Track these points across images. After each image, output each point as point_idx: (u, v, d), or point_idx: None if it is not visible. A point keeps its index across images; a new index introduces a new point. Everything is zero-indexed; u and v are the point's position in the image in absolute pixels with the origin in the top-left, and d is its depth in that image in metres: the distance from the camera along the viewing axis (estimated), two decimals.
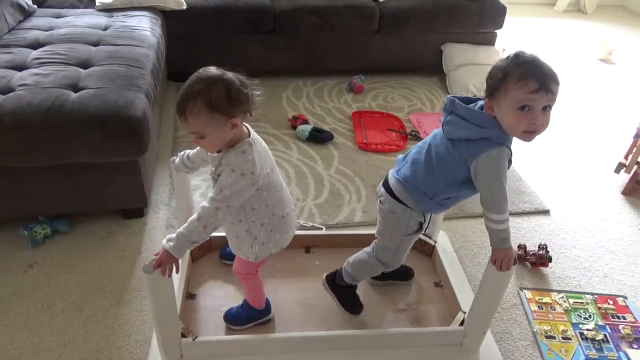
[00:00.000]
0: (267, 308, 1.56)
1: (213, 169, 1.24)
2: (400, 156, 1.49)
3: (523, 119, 1.19)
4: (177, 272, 1.21)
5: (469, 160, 1.26)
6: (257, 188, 1.22)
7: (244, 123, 1.24)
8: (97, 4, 2.64)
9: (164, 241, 1.19)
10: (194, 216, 1.17)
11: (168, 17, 2.76)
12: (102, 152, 1.76)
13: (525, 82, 1.16)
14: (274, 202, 1.31)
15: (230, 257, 1.59)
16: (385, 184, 1.46)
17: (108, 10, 2.62)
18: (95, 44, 2.22)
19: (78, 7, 2.71)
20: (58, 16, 2.52)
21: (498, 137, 1.24)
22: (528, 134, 1.22)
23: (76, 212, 1.96)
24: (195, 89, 1.12)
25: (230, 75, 1.17)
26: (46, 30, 2.29)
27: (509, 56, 1.23)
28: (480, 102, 1.31)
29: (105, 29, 2.40)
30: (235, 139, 1.20)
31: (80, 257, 1.84)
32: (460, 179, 1.31)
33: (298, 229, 1.98)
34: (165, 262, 1.18)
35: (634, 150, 2.42)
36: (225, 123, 1.15)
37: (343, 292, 1.61)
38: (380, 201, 1.48)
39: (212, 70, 1.17)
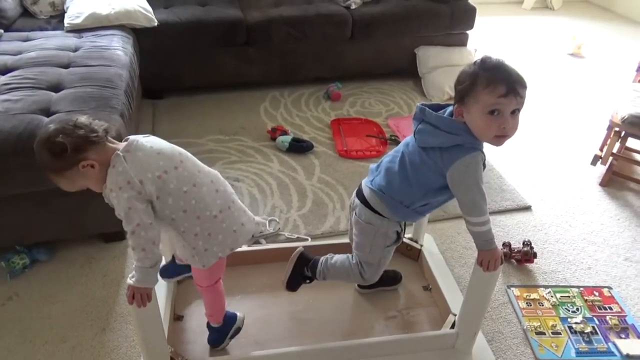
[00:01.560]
0: (230, 319, 1.50)
1: (107, 200, 1.22)
2: (373, 165, 1.48)
3: (493, 123, 1.21)
4: (149, 300, 1.19)
5: (444, 168, 1.27)
6: (157, 195, 1.18)
7: (128, 136, 1.24)
8: (66, 25, 2.60)
9: (128, 279, 1.19)
10: (131, 248, 1.18)
11: (140, 35, 2.73)
12: None
13: (494, 87, 1.18)
14: (192, 205, 1.23)
15: (169, 274, 1.58)
16: (360, 195, 1.45)
17: (77, 30, 2.58)
18: (66, 66, 2.18)
19: (47, 29, 2.66)
20: (26, 39, 2.47)
21: (471, 143, 1.26)
22: (498, 139, 1.24)
23: (55, 239, 1.92)
24: (39, 165, 1.16)
25: (51, 129, 1.15)
26: (14, 55, 2.24)
27: (475, 62, 1.25)
28: (450, 109, 1.32)
29: (76, 50, 2.36)
30: (109, 162, 1.17)
31: (62, 285, 1.79)
32: (436, 186, 1.32)
33: (284, 241, 1.99)
34: (137, 294, 1.17)
35: (608, 142, 2.47)
36: (78, 171, 1.15)
37: (300, 275, 1.59)
38: (355, 213, 1.47)
39: (40, 133, 1.18)
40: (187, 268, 1.53)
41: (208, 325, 1.51)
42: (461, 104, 1.25)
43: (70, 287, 1.78)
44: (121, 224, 1.94)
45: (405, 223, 1.50)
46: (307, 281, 1.60)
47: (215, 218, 1.28)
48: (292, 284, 1.59)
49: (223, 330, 1.50)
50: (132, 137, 1.23)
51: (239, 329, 1.52)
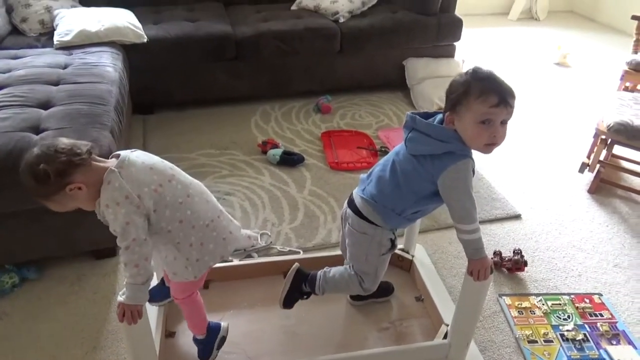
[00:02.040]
0: (214, 329, 1.50)
1: (100, 217, 1.22)
2: (363, 175, 1.50)
3: (484, 132, 1.24)
4: (140, 317, 1.19)
5: (435, 175, 1.29)
6: (154, 209, 1.19)
7: (115, 153, 1.25)
8: (55, 42, 2.61)
9: (119, 296, 1.18)
10: (123, 264, 1.17)
11: (129, 51, 2.74)
12: None
13: (486, 97, 1.21)
14: (187, 216, 1.26)
15: (158, 298, 1.58)
16: (352, 205, 1.46)
17: (67, 48, 2.58)
18: (56, 83, 2.18)
19: (36, 47, 2.66)
20: (15, 57, 2.47)
21: (461, 150, 1.28)
22: (488, 147, 1.27)
23: (45, 257, 1.90)
24: (26, 191, 1.16)
25: (33, 156, 1.15)
26: (3, 73, 2.24)
27: (467, 71, 1.27)
28: (439, 116, 1.35)
29: (65, 67, 2.36)
30: (99, 181, 1.17)
31: (52, 304, 1.78)
32: (427, 193, 1.34)
33: (276, 255, 1.99)
34: (128, 311, 1.17)
35: (595, 150, 2.50)
36: (65, 194, 1.16)
37: (297, 292, 1.57)
38: (348, 223, 1.47)
39: (25, 158, 1.17)
40: (208, 339, 1.52)
41: (194, 339, 1.50)
42: (453, 112, 1.27)
43: (61, 306, 1.77)
44: (113, 241, 1.94)
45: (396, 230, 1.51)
46: (305, 297, 1.59)
47: (207, 227, 1.31)
48: (289, 301, 1.57)
49: (208, 342, 1.50)
50: (122, 153, 1.24)
51: (224, 338, 1.51)
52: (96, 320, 1.72)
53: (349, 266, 1.54)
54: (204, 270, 1.33)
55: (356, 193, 1.47)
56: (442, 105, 3.31)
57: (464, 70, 1.30)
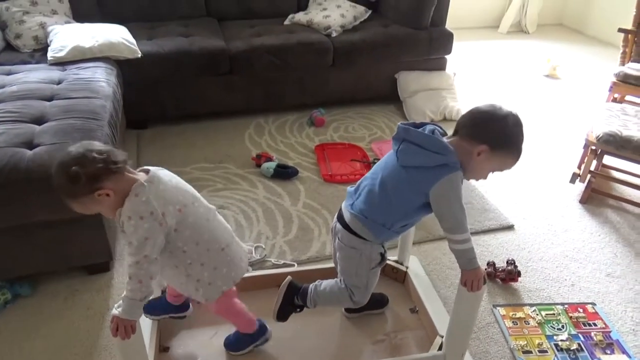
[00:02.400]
0: (262, 329, 1.55)
1: (118, 224, 1.22)
2: (350, 188, 1.49)
3: (487, 174, 1.37)
4: (133, 332, 1.18)
5: (427, 186, 1.30)
6: (175, 228, 1.21)
7: (144, 167, 1.26)
8: (49, 58, 2.62)
9: (114, 309, 1.18)
10: (127, 277, 1.17)
11: (123, 66, 2.76)
12: (62, 209, 1.69)
13: (517, 159, 1.34)
14: (204, 239, 1.28)
15: (157, 312, 1.58)
16: (341, 219, 1.46)
17: (61, 63, 2.60)
18: (49, 98, 2.18)
19: (30, 63, 2.67)
20: (9, 73, 2.47)
21: (454, 163, 1.30)
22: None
23: (38, 272, 1.89)
24: (54, 186, 1.17)
25: (72, 155, 1.16)
26: None
27: (513, 118, 1.32)
28: (429, 127, 1.36)
29: (59, 82, 2.37)
30: (126, 190, 1.18)
31: (45, 319, 1.76)
32: (417, 205, 1.34)
33: (270, 268, 1.99)
34: (121, 326, 1.16)
35: (585, 160, 2.53)
36: (93, 198, 1.16)
37: (290, 305, 1.57)
38: (338, 238, 1.47)
39: (58, 159, 1.18)
40: (175, 308, 1.55)
41: (237, 331, 1.53)
42: (492, 150, 1.30)
43: (54, 322, 1.76)
44: (106, 256, 1.94)
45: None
46: (298, 310, 1.59)
47: (222, 251, 1.33)
48: (283, 314, 1.57)
49: (251, 337, 1.54)
50: (151, 169, 1.25)
51: (266, 340, 1.57)
52: (89, 336, 1.70)
53: (340, 280, 1.54)
54: (216, 296, 1.35)
55: (345, 208, 1.46)
56: (434, 117, 3.36)
57: (509, 112, 1.33)
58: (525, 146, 1.36)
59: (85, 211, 1.20)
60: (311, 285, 1.58)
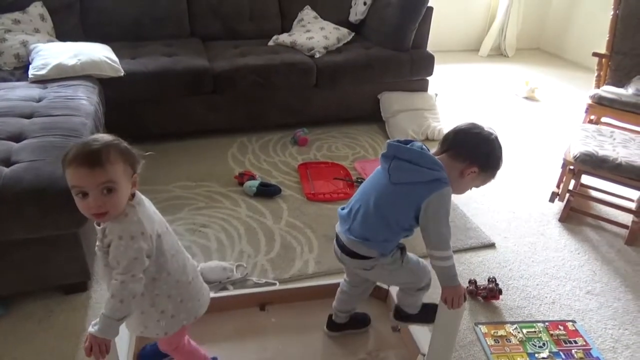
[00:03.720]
0: None
1: (99, 243, 1.17)
2: (342, 211, 1.48)
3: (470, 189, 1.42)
4: (107, 352, 1.14)
5: (419, 200, 1.31)
6: (149, 254, 1.17)
7: None
8: (30, 76, 2.60)
9: (90, 327, 1.13)
10: (109, 294, 1.13)
11: (106, 85, 2.74)
12: (38, 227, 1.69)
13: (495, 176, 1.44)
14: (175, 269, 1.25)
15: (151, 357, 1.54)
16: (346, 249, 1.43)
17: (42, 81, 2.58)
18: (29, 116, 2.16)
19: (10, 81, 2.65)
20: None
21: (445, 179, 1.32)
22: None
23: (13, 292, 1.84)
24: (102, 141, 1.10)
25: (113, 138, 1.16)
26: None
27: (497, 139, 1.41)
28: (417, 144, 1.38)
29: (39, 100, 2.35)
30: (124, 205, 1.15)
31: (18, 341, 1.71)
32: (413, 217, 1.35)
33: (252, 287, 1.97)
34: (95, 345, 1.12)
35: (564, 179, 2.58)
36: (130, 178, 1.14)
37: (417, 316, 1.60)
38: (354, 267, 1.47)
39: (100, 137, 1.15)
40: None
41: None
42: (482, 170, 1.38)
43: (28, 343, 1.70)
44: (82, 275, 1.90)
45: None
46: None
47: (190, 284, 1.31)
48: (430, 316, 1.55)
49: None
50: (136, 192, 1.21)
51: None
52: (64, 357, 1.65)
53: (399, 290, 1.58)
54: (176, 329, 1.31)
55: (343, 234, 1.44)
56: (416, 136, 3.39)
57: (489, 131, 1.41)
58: (505, 165, 1.41)
59: (116, 177, 1.09)
60: (396, 304, 1.63)
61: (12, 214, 1.62)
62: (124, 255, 1.11)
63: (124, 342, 1.54)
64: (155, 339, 1.40)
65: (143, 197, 1.23)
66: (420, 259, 1.52)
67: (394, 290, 1.69)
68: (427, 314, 1.58)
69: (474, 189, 1.45)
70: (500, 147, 1.40)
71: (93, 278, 1.98)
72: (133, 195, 1.19)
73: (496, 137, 1.40)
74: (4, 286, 1.80)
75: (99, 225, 1.17)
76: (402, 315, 1.61)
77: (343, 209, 1.49)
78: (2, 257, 1.73)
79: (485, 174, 1.40)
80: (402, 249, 1.47)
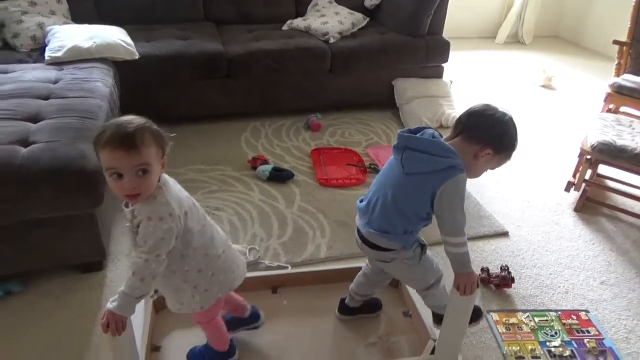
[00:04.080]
0: (231, 350, 1.52)
1: (128, 223, 1.20)
2: (360, 204, 1.48)
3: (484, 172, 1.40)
4: (124, 329, 1.16)
5: (434, 188, 1.30)
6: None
7: None
8: (46, 58, 2.61)
9: (108, 303, 1.16)
10: (130, 272, 1.15)
11: (120, 67, 2.75)
12: (55, 207, 1.71)
13: (510, 157, 1.41)
14: (202, 243, 1.27)
15: (232, 325, 1.58)
16: (367, 242, 1.44)
17: (58, 63, 2.59)
18: (45, 97, 2.18)
19: (27, 62, 2.67)
20: (5, 72, 2.47)
21: (460, 165, 1.31)
22: None
23: (30, 270, 1.87)
24: (136, 123, 1.12)
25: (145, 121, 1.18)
26: None
27: (512, 121, 1.38)
28: (428, 131, 1.37)
29: (56, 82, 2.37)
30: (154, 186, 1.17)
31: (36, 317, 1.75)
32: (429, 206, 1.35)
33: (264, 270, 1.98)
34: (112, 321, 1.14)
35: (580, 169, 2.55)
36: (160, 160, 1.16)
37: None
38: (376, 259, 1.48)
39: (134, 119, 1.17)
40: (221, 355, 1.51)
41: (207, 344, 1.50)
42: (496, 153, 1.36)
43: (45, 319, 1.74)
44: (98, 255, 1.93)
45: None
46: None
47: (219, 258, 1.32)
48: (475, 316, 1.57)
49: (218, 357, 1.50)
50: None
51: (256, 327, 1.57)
52: (81, 334, 1.69)
53: (419, 293, 1.57)
54: (211, 301, 1.33)
55: (363, 228, 1.44)
56: (430, 124, 3.37)
57: (504, 112, 1.38)
58: (520, 154, 1.38)
59: (150, 160, 1.12)
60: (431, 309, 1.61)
61: (30, 193, 1.65)
62: (151, 236, 1.13)
63: (139, 321, 1.57)
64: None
65: (167, 177, 1.25)
66: (435, 260, 1.52)
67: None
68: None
69: (487, 174, 1.44)
70: (515, 128, 1.37)
71: (109, 257, 2.01)
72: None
73: (510, 118, 1.38)
74: (22, 264, 1.83)
75: (126, 206, 1.20)
76: (436, 319, 1.58)
77: (361, 201, 1.50)
78: (20, 236, 1.76)
79: (499, 156, 1.37)
80: (423, 247, 1.48)
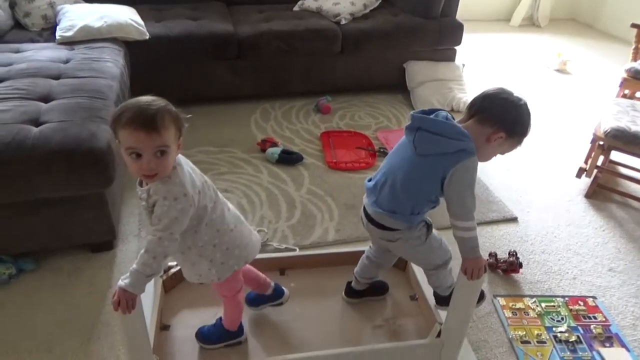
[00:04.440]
0: (240, 330, 1.55)
1: (144, 203, 1.22)
2: (369, 184, 1.48)
3: (496, 155, 1.39)
4: (134, 307, 1.18)
5: (445, 171, 1.30)
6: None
7: None
8: (57, 37, 2.62)
9: (120, 280, 1.17)
10: (143, 250, 1.16)
11: (131, 48, 2.75)
12: (66, 187, 1.73)
13: (523, 139, 1.38)
14: (213, 219, 1.30)
15: (256, 302, 1.62)
16: (373, 221, 1.44)
17: (69, 43, 2.60)
18: (57, 77, 2.19)
19: (38, 42, 2.68)
20: (17, 51, 2.48)
21: (472, 148, 1.30)
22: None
23: (42, 249, 1.91)
24: (156, 105, 1.13)
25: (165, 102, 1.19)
26: (5, 66, 2.25)
27: (525, 105, 1.36)
28: (442, 113, 1.35)
29: (67, 61, 2.37)
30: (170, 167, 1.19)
31: (48, 295, 1.78)
32: (439, 188, 1.34)
33: (272, 252, 2.00)
34: (123, 299, 1.16)
35: (592, 155, 2.51)
36: (177, 141, 1.17)
37: (448, 298, 1.57)
38: (381, 239, 1.48)
39: (155, 100, 1.17)
40: (229, 335, 1.54)
41: (218, 322, 1.54)
42: (508, 134, 1.34)
43: (57, 297, 1.78)
44: (109, 234, 1.96)
45: None
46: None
47: (232, 232, 1.35)
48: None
49: (227, 335, 1.53)
50: None
51: (239, 343, 1.56)
52: (91, 312, 1.72)
53: (425, 271, 1.57)
54: (228, 274, 1.37)
55: (370, 207, 1.44)
56: (441, 107, 3.34)
57: (518, 96, 1.37)
58: (532, 139, 1.37)
59: (169, 142, 1.13)
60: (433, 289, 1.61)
61: (41, 172, 1.67)
62: (166, 215, 1.15)
63: (149, 300, 1.59)
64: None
65: (181, 156, 1.26)
66: (443, 239, 1.52)
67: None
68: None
69: (497, 159, 1.42)
70: (528, 113, 1.36)
71: (119, 237, 2.04)
72: None
73: (525, 103, 1.36)
74: (33, 243, 1.86)
75: (140, 185, 1.22)
76: (441, 300, 1.59)
77: (369, 180, 1.49)
78: (32, 214, 1.78)
79: (512, 140, 1.35)
80: (429, 226, 1.47)
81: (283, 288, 1.66)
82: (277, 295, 1.64)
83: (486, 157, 1.38)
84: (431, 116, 1.34)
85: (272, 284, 1.63)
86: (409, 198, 1.37)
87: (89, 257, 1.95)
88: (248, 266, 1.53)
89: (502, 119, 1.33)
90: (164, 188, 1.16)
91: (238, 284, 1.47)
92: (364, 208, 1.48)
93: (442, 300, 1.58)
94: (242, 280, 1.49)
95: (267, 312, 1.68)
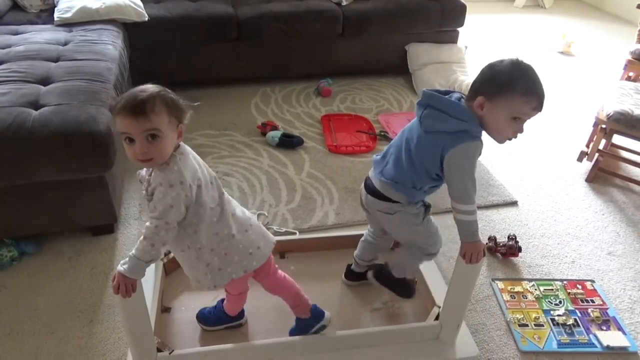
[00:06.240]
0: (240, 314, 1.57)
1: (144, 190, 1.22)
2: (376, 157, 1.49)
3: (511, 127, 1.28)
4: (134, 291, 1.19)
5: (444, 149, 1.29)
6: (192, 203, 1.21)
7: None
8: (55, 19, 2.59)
9: (119, 265, 1.18)
10: (141, 236, 1.17)
11: (130, 30, 2.73)
12: (66, 170, 1.74)
13: (529, 98, 1.25)
14: (214, 222, 1.27)
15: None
16: (370, 189, 1.45)
17: (67, 25, 2.57)
18: (55, 59, 2.18)
19: (36, 24, 2.65)
20: (15, 33, 2.46)
21: (475, 132, 1.29)
22: (506, 139, 1.32)
23: (43, 232, 1.92)
24: (148, 92, 1.14)
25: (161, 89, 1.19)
26: (3, 48, 2.23)
27: (512, 62, 1.28)
28: (456, 94, 1.34)
29: (65, 44, 2.36)
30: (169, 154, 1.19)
31: (50, 277, 1.80)
32: (439, 167, 1.34)
33: (272, 235, 2.00)
34: (122, 284, 1.17)
35: (594, 139, 2.50)
36: (176, 128, 1.17)
37: (394, 283, 1.62)
38: (378, 210, 1.47)
39: (148, 88, 1.17)
40: (231, 319, 1.56)
41: (219, 305, 1.57)
42: (489, 99, 1.26)
43: (58, 280, 1.79)
44: (110, 218, 1.96)
45: None
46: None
47: (233, 237, 1.31)
48: (407, 291, 1.64)
49: (226, 319, 1.56)
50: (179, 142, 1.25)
51: (239, 325, 1.58)
52: (93, 294, 1.74)
53: (407, 249, 1.56)
54: (224, 282, 1.34)
55: (374, 176, 1.46)
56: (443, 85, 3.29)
57: (504, 59, 1.30)
58: (532, 123, 1.31)
59: (160, 126, 1.12)
60: (390, 264, 1.62)
61: (41, 155, 1.67)
62: (161, 202, 1.15)
63: (150, 283, 1.61)
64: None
65: (188, 149, 1.26)
66: (438, 228, 1.52)
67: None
68: (404, 287, 1.62)
69: (513, 143, 1.38)
70: (514, 68, 1.26)
71: (120, 221, 2.05)
72: (178, 146, 1.22)
73: (508, 60, 1.28)
74: (35, 226, 1.87)
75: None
76: (382, 276, 1.61)
77: (378, 155, 1.50)
78: (32, 198, 1.79)
79: (500, 101, 1.25)
80: (427, 207, 1.47)
81: (324, 311, 1.51)
82: (315, 319, 1.50)
83: (499, 132, 1.30)
84: (443, 95, 1.33)
85: (310, 305, 1.50)
86: (411, 170, 1.37)
87: (90, 241, 1.96)
88: (291, 281, 1.50)
89: (478, 83, 1.29)
90: (161, 175, 1.16)
91: (243, 288, 1.48)
92: (365, 182, 1.49)
93: (385, 279, 1.60)
94: (247, 286, 1.49)
95: (266, 295, 1.68)
